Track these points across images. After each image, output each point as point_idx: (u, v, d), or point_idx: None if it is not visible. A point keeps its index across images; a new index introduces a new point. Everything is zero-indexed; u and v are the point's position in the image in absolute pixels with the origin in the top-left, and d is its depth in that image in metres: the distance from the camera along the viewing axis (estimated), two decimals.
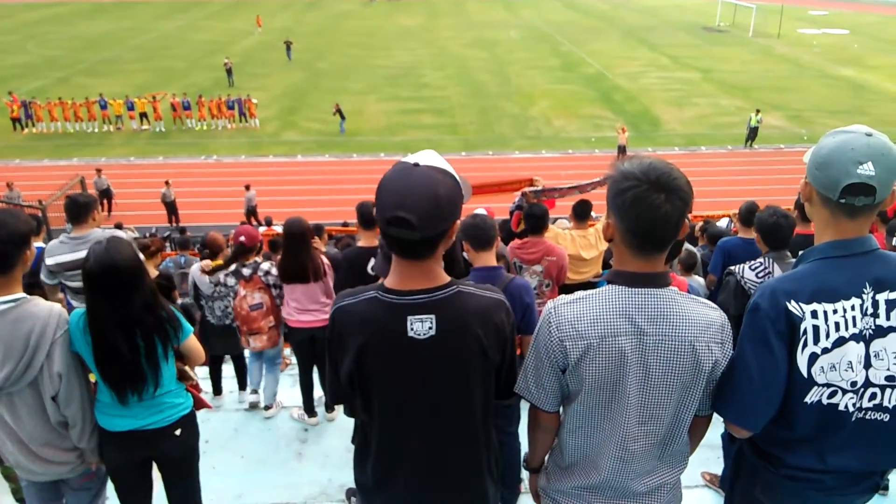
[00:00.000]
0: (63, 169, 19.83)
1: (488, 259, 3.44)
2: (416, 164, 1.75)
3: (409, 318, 1.78)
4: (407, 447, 1.92)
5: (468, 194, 1.89)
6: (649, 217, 1.69)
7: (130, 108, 24.50)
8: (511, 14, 54.82)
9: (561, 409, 2.00)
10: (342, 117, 24.05)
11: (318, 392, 5.14)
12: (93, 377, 2.74)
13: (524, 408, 3.94)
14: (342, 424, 4.82)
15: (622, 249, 1.81)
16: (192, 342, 2.88)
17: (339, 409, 5.02)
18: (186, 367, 2.98)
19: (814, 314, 1.79)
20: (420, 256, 1.78)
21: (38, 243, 4.45)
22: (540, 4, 60.01)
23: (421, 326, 1.78)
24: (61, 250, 4.33)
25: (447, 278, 1.85)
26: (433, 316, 1.79)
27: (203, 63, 35.04)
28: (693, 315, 1.79)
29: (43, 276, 4.47)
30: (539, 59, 36.99)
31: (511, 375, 2.02)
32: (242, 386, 5.58)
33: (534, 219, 4.82)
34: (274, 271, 4.94)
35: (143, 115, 24.58)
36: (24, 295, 2.56)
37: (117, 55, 37.47)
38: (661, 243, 1.77)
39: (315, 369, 5.04)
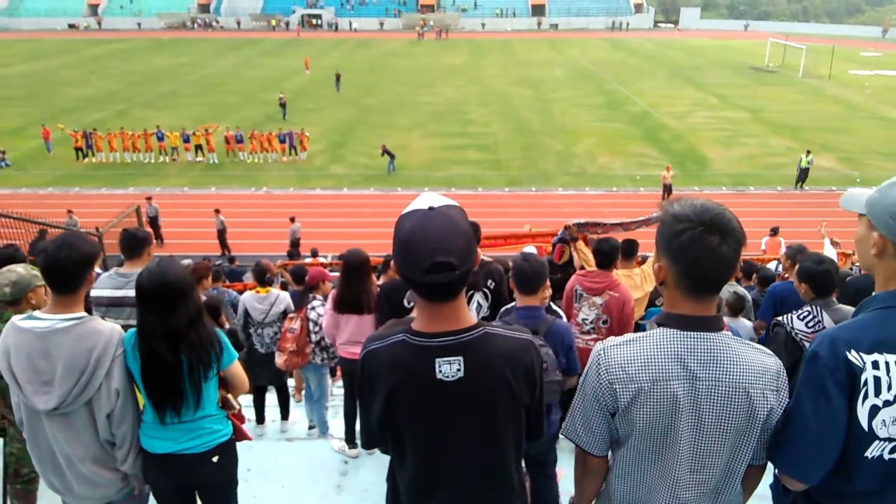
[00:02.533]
0: (120, 197, 20.56)
1: (532, 300, 3.45)
2: (431, 208, 1.74)
3: (438, 360, 1.77)
4: (437, 490, 1.90)
5: None
6: (706, 259, 1.68)
7: (186, 140, 25.35)
8: (556, 53, 55.30)
9: (609, 454, 1.96)
10: (391, 156, 24.06)
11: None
12: (141, 400, 2.82)
13: (561, 450, 3.90)
14: (383, 458, 4.81)
15: (675, 293, 1.79)
16: (236, 369, 2.93)
17: None
18: (229, 395, 3.03)
19: (875, 365, 1.73)
20: (454, 296, 1.77)
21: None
22: (585, 44, 60.43)
23: (449, 368, 1.76)
24: (106, 284, 4.33)
25: (474, 319, 1.83)
26: (461, 358, 1.77)
27: (256, 98, 36.17)
28: (748, 360, 1.75)
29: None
30: (584, 97, 37.10)
31: (538, 416, 1.98)
32: (285, 416, 5.65)
33: (600, 255, 4.78)
34: (320, 309, 5.15)
35: (198, 147, 25.40)
36: (85, 314, 2.67)
37: (175, 89, 38.99)
38: (716, 285, 1.75)
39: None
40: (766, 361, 1.78)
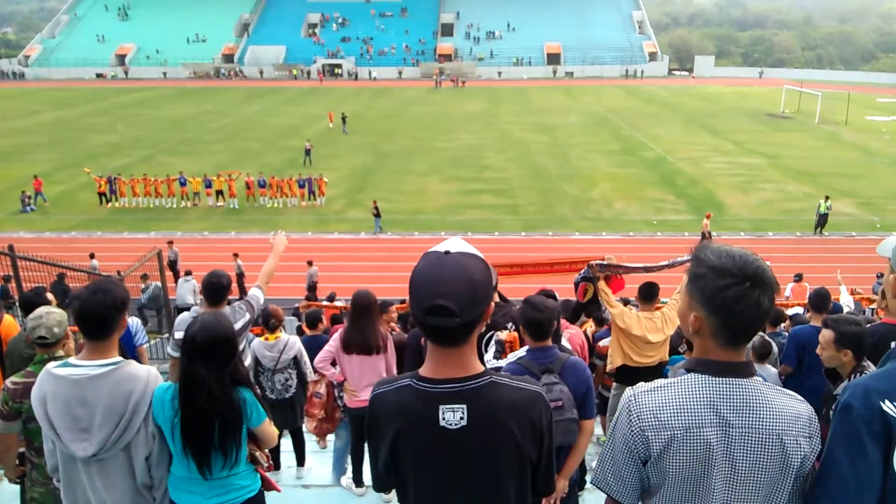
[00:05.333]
0: (142, 241, 20.88)
1: (545, 343, 3.42)
2: (447, 252, 1.77)
3: (441, 407, 1.76)
4: None
5: (495, 278, 1.90)
6: (750, 314, 1.67)
7: (208, 185, 25.81)
8: (572, 100, 56.01)
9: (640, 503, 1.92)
10: (377, 215, 22.44)
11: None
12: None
13: (584, 499, 3.83)
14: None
15: (709, 342, 1.76)
16: (267, 426, 2.94)
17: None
18: (257, 452, 3.03)
19: None
20: (457, 343, 1.77)
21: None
22: (600, 92, 61.19)
23: (452, 416, 1.76)
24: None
25: (480, 368, 1.82)
26: (464, 406, 1.76)
27: (277, 144, 36.89)
28: (780, 407, 1.73)
29: (170, 349, 4.51)
30: (599, 143, 37.40)
31: (548, 472, 1.95)
32: (301, 462, 5.59)
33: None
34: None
35: (219, 193, 25.85)
36: (121, 359, 2.69)
37: (198, 136, 39.90)
38: (746, 339, 1.75)
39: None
40: (799, 407, 1.76)
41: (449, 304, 1.66)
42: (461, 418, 1.75)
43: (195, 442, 2.69)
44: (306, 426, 5.44)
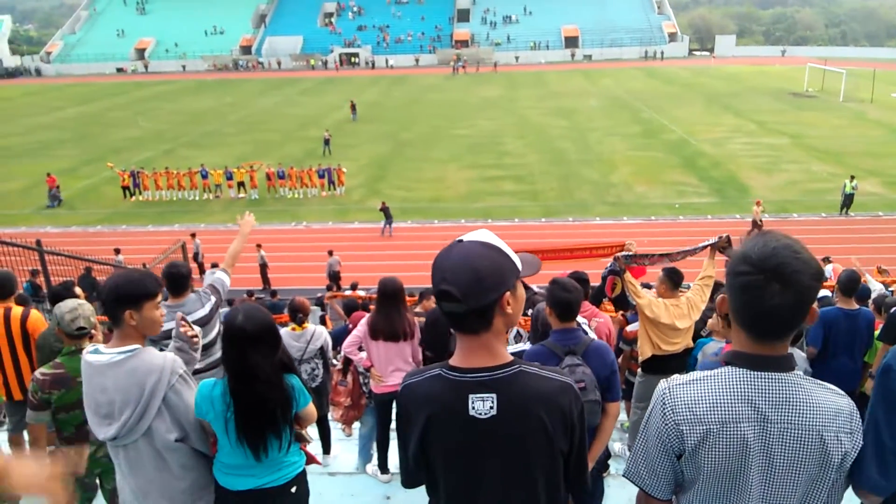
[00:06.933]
0: (165, 234, 21.15)
1: (570, 324, 3.44)
2: (461, 241, 1.80)
3: (471, 396, 1.77)
4: None
5: (532, 269, 1.89)
6: (756, 307, 1.64)
7: (229, 177, 26.01)
8: (590, 83, 55.46)
9: (673, 499, 1.89)
10: (388, 217, 21.56)
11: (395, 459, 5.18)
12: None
13: (608, 486, 3.83)
14: (425, 496, 4.79)
15: (741, 334, 1.75)
16: (311, 408, 3.03)
17: None
18: (303, 431, 3.12)
19: None
20: (476, 330, 1.78)
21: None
22: (619, 74, 60.51)
23: (482, 405, 1.76)
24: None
25: (509, 357, 1.83)
26: (494, 395, 1.76)
27: (296, 135, 37.05)
28: (820, 402, 1.69)
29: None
30: (619, 127, 37.02)
31: (580, 466, 1.94)
32: (327, 450, 5.66)
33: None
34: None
35: (241, 184, 26.04)
36: (137, 346, 2.73)
37: (218, 128, 40.19)
38: (768, 334, 1.69)
39: (393, 433, 5.14)
40: (839, 402, 1.71)
41: (451, 288, 1.70)
42: (491, 407, 1.76)
43: (254, 430, 2.74)
44: (332, 414, 5.50)
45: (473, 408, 1.77)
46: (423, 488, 2.04)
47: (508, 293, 1.76)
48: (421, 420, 1.83)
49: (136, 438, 2.67)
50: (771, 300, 1.61)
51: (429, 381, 1.85)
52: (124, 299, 2.70)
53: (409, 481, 2.04)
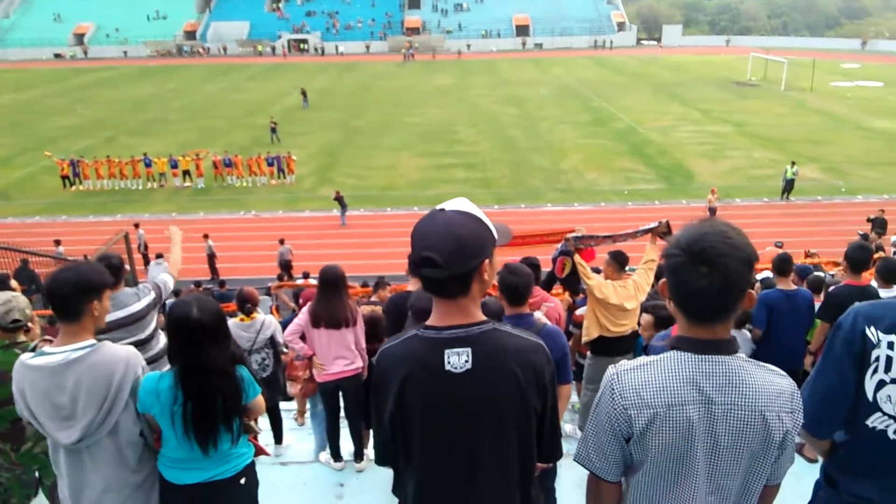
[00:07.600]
0: (107, 224, 20.45)
1: (522, 309, 3.49)
2: (442, 210, 1.84)
3: (447, 351, 1.82)
4: (444, 492, 1.92)
5: (505, 238, 1.94)
6: (684, 289, 1.71)
7: (174, 166, 25.32)
8: (541, 72, 55.87)
9: (623, 480, 1.93)
10: (343, 206, 21.25)
11: (347, 446, 5.14)
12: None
13: (560, 464, 3.87)
14: (379, 481, 4.77)
15: (675, 311, 1.81)
16: (260, 399, 3.00)
17: (368, 460, 5.04)
18: (251, 422, 3.07)
19: (890, 345, 1.86)
20: (454, 295, 1.83)
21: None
22: (569, 63, 61.13)
23: (458, 360, 1.81)
24: None
25: (484, 317, 1.89)
26: (469, 349, 1.82)
27: (243, 122, 36.27)
28: (762, 383, 1.74)
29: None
30: (569, 115, 37.45)
31: (553, 432, 1.99)
32: (278, 440, 5.58)
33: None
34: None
35: (186, 173, 25.38)
36: (93, 341, 2.64)
37: (162, 116, 39.04)
38: (699, 316, 1.75)
39: (343, 421, 5.11)
40: (781, 383, 1.77)
41: (434, 255, 1.73)
42: (466, 361, 1.81)
43: (206, 423, 2.68)
44: (291, 390, 5.41)
45: (449, 362, 1.82)
46: (379, 475, 2.02)
47: (487, 260, 1.83)
48: (397, 379, 1.85)
49: (100, 438, 2.58)
50: (698, 282, 1.66)
51: (405, 342, 1.90)
52: (90, 289, 2.62)
53: (383, 455, 2.06)
